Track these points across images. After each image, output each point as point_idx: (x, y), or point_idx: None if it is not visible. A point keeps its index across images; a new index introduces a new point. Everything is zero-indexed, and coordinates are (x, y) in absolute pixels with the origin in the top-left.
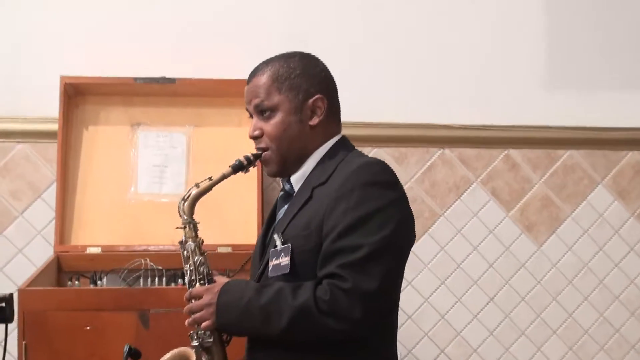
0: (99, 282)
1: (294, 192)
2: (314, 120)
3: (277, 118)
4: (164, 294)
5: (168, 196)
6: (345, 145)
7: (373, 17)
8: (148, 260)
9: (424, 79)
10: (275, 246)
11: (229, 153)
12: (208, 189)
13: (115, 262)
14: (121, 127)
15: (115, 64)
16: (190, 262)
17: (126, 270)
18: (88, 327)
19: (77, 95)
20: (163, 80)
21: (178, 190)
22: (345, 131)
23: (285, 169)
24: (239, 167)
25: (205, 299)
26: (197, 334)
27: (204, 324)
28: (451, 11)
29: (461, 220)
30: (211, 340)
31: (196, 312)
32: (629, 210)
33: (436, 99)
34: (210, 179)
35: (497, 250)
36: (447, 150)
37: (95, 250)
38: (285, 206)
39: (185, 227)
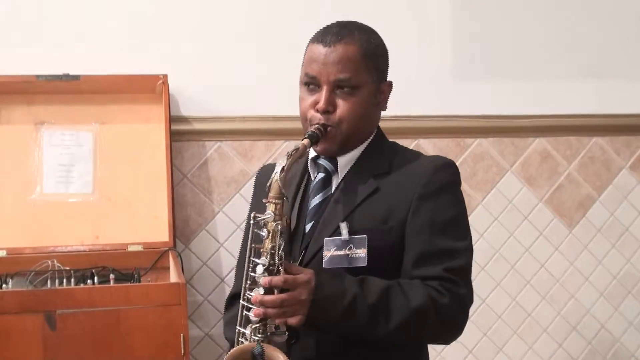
0: (4, 285)
1: (335, 173)
2: (383, 107)
3: (358, 98)
4: (70, 295)
5: (75, 196)
6: (383, 133)
7: (253, 12)
8: (55, 261)
9: None
10: (335, 235)
11: (136, 150)
12: (293, 163)
13: (21, 264)
14: (24, 127)
15: (16, 61)
16: (274, 243)
17: (33, 273)
18: None
19: None
20: (66, 77)
21: (85, 190)
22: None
23: (341, 150)
24: (316, 138)
25: (302, 292)
26: (265, 327)
27: (295, 320)
28: (357, 2)
29: None
30: (286, 334)
31: (286, 306)
32: (537, 195)
33: None
34: (289, 155)
35: None
36: None
37: (0, 254)
38: (329, 191)
39: (277, 204)
